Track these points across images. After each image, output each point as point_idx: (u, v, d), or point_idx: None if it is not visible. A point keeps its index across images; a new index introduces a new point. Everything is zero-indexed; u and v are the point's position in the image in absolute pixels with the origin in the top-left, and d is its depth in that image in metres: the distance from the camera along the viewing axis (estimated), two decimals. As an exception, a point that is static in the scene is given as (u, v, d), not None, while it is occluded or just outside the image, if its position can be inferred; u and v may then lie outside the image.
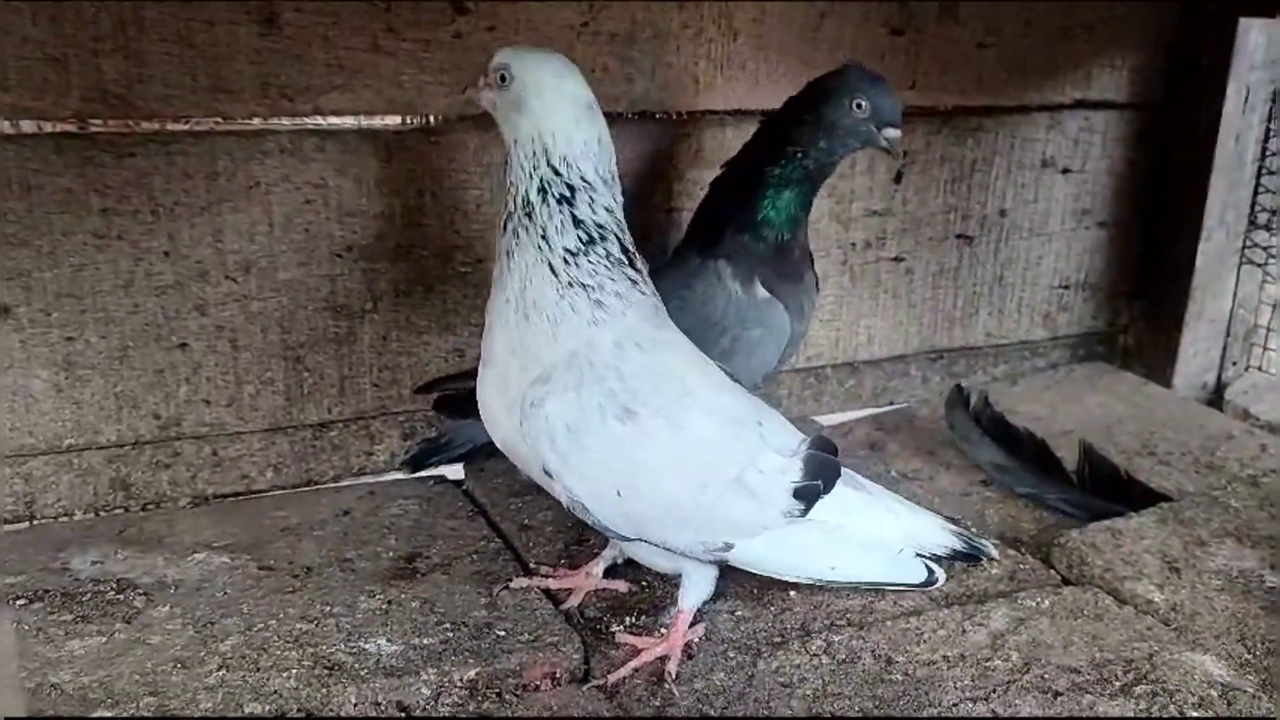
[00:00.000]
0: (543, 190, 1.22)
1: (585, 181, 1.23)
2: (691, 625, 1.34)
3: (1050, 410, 2.05)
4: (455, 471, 1.82)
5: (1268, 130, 2.08)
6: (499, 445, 1.34)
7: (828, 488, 1.32)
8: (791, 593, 1.45)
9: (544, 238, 1.22)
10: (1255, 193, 2.11)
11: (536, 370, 1.23)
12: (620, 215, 1.27)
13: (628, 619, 1.39)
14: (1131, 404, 2.10)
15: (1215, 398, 2.20)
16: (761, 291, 1.54)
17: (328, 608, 1.39)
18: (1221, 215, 2.11)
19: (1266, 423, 2.03)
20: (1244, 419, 2.07)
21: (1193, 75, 2.06)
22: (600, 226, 1.24)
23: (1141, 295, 2.24)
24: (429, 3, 1.61)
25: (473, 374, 1.56)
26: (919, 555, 1.44)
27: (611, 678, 1.27)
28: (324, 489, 1.76)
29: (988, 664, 1.30)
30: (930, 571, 1.43)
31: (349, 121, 1.63)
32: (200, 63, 1.53)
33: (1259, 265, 2.15)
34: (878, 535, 1.41)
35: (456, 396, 1.64)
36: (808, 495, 1.30)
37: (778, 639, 1.36)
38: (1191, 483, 1.79)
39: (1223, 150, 2.06)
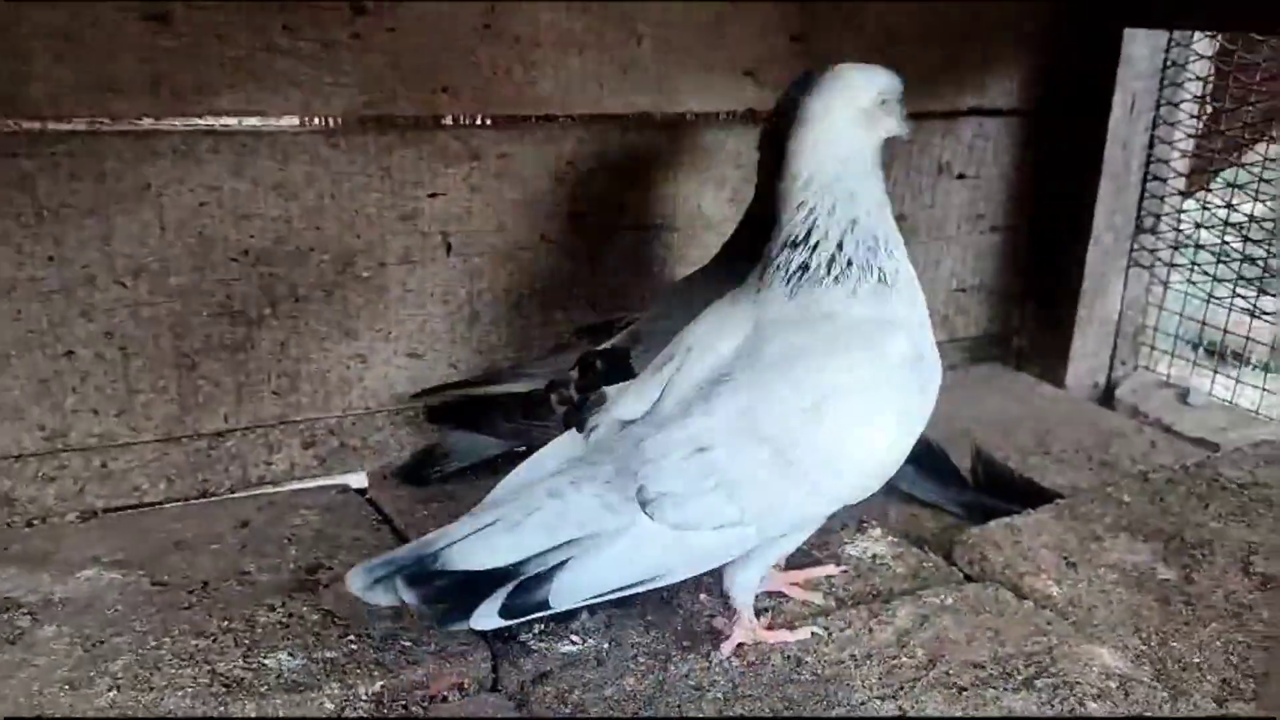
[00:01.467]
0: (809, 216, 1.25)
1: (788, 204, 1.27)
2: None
3: (951, 411, 2.08)
4: (359, 480, 1.78)
5: (1152, 137, 2.16)
6: None
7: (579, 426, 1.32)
8: (702, 596, 1.45)
9: None
10: (1141, 198, 2.19)
11: None
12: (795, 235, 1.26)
13: (536, 625, 1.37)
14: (1026, 404, 2.16)
15: (1106, 397, 2.27)
16: None
17: (225, 623, 1.34)
18: (1109, 220, 2.19)
19: (1155, 420, 2.10)
20: (1134, 417, 2.15)
21: (1081, 83, 2.13)
22: (776, 245, 1.28)
23: (1034, 298, 2.31)
24: (327, 2, 1.58)
25: (476, 382, 1.52)
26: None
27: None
28: (221, 500, 1.70)
29: (894, 662, 1.32)
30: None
31: (245, 123, 1.59)
32: (87, 60, 1.47)
33: (1146, 268, 2.24)
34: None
35: (459, 405, 1.63)
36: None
37: (687, 643, 1.35)
38: (1085, 479, 1.84)
39: (1110, 156, 2.14)
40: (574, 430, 1.31)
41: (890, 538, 1.61)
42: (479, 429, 1.66)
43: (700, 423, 1.20)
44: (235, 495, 1.71)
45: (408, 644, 1.31)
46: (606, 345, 1.62)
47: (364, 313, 1.73)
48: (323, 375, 1.73)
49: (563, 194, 1.83)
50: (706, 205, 1.94)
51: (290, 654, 1.28)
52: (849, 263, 1.23)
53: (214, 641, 1.30)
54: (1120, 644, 1.36)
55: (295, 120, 1.61)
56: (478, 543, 1.18)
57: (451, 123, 1.71)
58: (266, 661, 1.27)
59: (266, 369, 1.69)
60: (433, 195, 1.73)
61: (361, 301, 1.73)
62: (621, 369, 1.47)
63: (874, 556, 1.57)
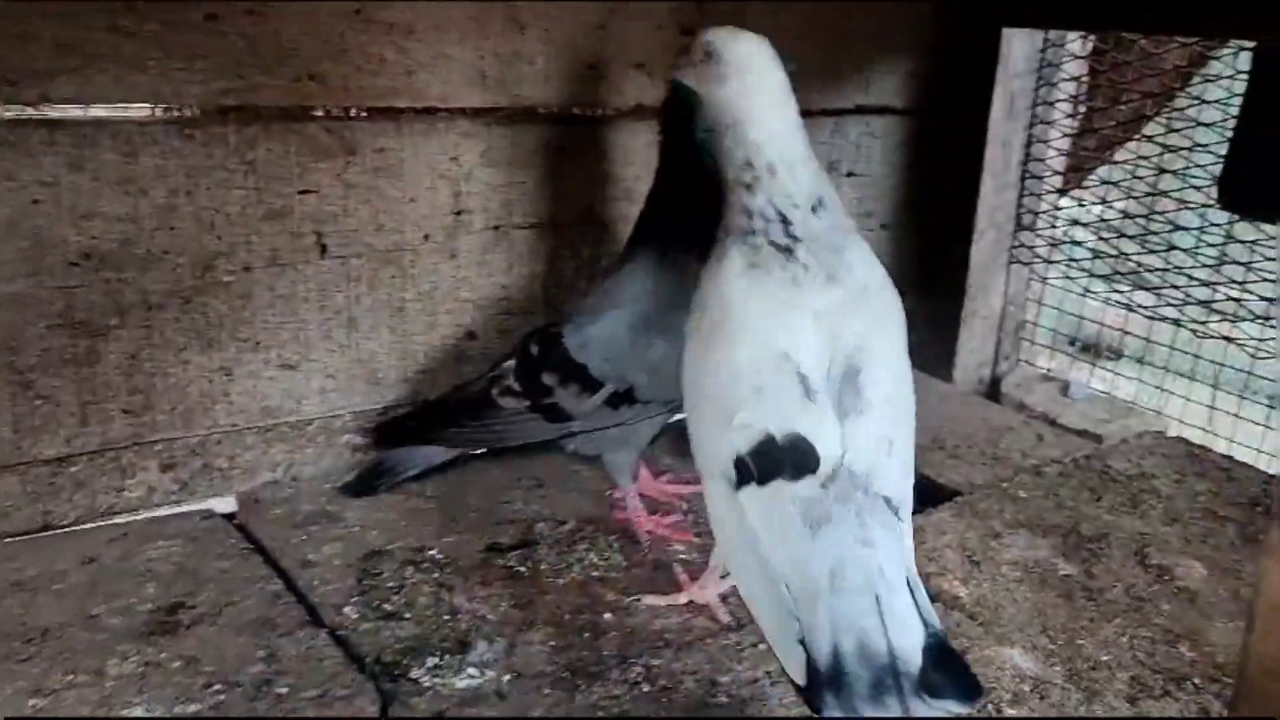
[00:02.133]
0: (736, 177, 1.24)
1: (757, 176, 1.23)
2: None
3: (844, 409, 2.08)
4: (227, 504, 1.63)
5: (1030, 136, 2.19)
6: None
7: (761, 479, 1.16)
8: (606, 615, 1.38)
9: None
10: (1020, 195, 2.23)
11: None
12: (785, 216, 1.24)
13: (430, 659, 1.27)
14: (918, 400, 2.14)
15: (992, 391, 2.30)
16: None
17: (69, 676, 1.19)
18: (991, 217, 2.21)
19: (1041, 413, 2.13)
20: (1020, 411, 2.18)
21: (962, 82, 2.14)
22: (766, 217, 1.23)
23: (921, 294, 2.30)
24: (178, -21, 1.44)
25: (425, 408, 1.67)
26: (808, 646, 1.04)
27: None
28: (65, 533, 1.53)
29: (810, 676, 1.26)
30: (813, 676, 1.00)
31: (84, 111, 1.43)
32: (-108, 39, 1.29)
33: (1026, 264, 2.27)
34: (776, 572, 1.11)
35: (392, 425, 1.68)
36: (740, 470, 1.17)
37: (594, 668, 1.27)
38: (980, 475, 1.84)
39: (991, 154, 2.16)
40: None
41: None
42: (427, 441, 1.65)
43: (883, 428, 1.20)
44: (82, 527, 1.54)
45: (284, 690, 1.19)
46: (538, 327, 1.64)
47: (227, 321, 1.58)
48: (182, 390, 1.58)
49: (446, 191, 1.71)
50: (598, 202, 1.86)
51: (147, 709, 1.15)
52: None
53: (56, 698, 1.16)
54: (1029, 644, 1.36)
55: (144, 110, 1.46)
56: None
57: (322, 114, 1.58)
58: (123, 717, 1.13)
59: (115, 385, 1.53)
60: (304, 192, 1.59)
61: (225, 309, 1.58)
62: (553, 348, 1.52)
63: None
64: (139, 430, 1.56)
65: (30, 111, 1.39)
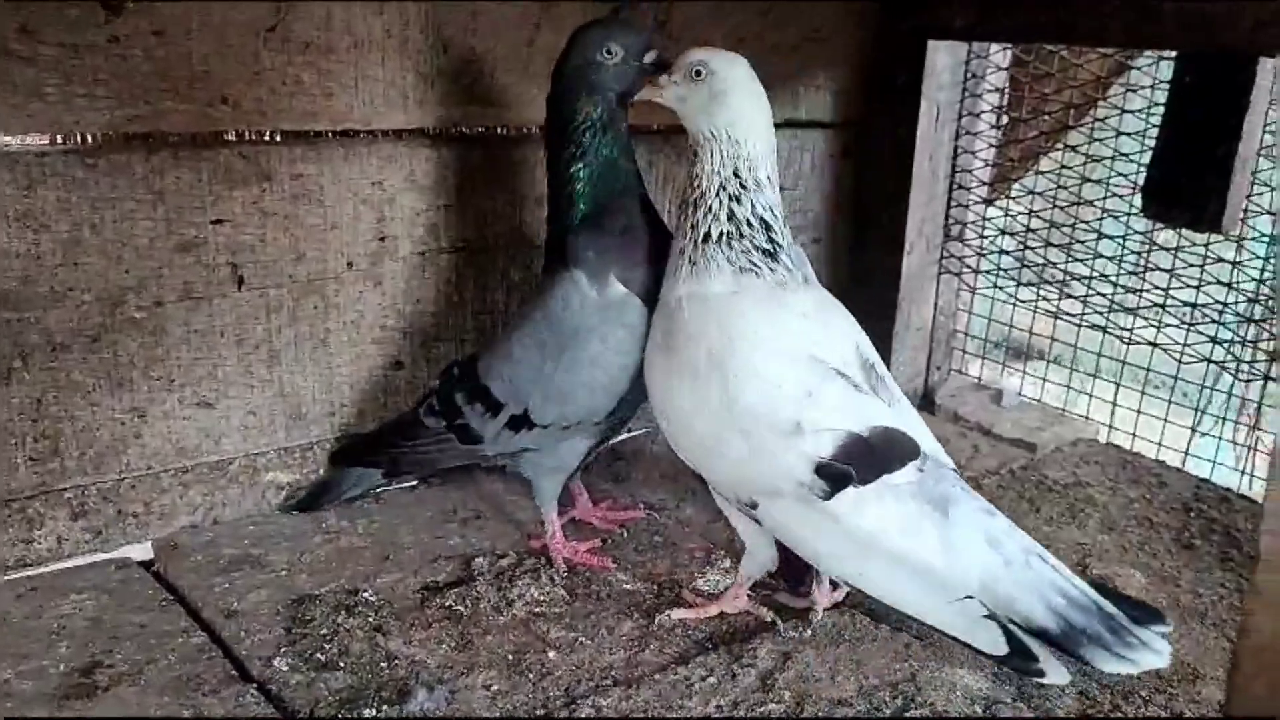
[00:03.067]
0: (723, 188, 1.33)
1: (756, 186, 1.34)
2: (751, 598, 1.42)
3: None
4: (143, 552, 1.55)
5: (956, 147, 2.20)
6: None
7: (866, 478, 1.21)
8: (551, 653, 1.33)
9: (693, 226, 1.35)
10: (948, 206, 2.24)
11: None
12: (773, 226, 1.36)
13: (367, 711, 1.21)
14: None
15: (926, 403, 2.30)
16: (617, 289, 1.45)
17: (-24, 752, 1.11)
18: (921, 228, 2.21)
19: (975, 424, 2.14)
20: (955, 421, 2.18)
21: (889, 95, 2.14)
22: (750, 224, 1.34)
23: (854, 308, 2.29)
24: (73, 1, 1.35)
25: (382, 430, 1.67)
26: (998, 619, 1.19)
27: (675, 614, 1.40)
28: (-32, 591, 1.43)
29: (762, 710, 1.24)
30: (1015, 647, 1.17)
31: (-23, 141, 1.34)
32: None
33: (955, 274, 2.28)
34: (925, 561, 1.20)
35: (348, 447, 1.69)
36: (832, 476, 1.20)
37: (540, 712, 1.23)
38: (919, 488, 1.84)
39: (919, 167, 2.16)
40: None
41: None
42: (367, 464, 1.65)
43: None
44: (-14, 583, 1.45)
45: (211, 753, 1.12)
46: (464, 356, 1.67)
47: (139, 359, 1.50)
48: (91, 434, 1.49)
49: (369, 217, 1.65)
50: (526, 222, 1.81)
51: (64, 783, 1.06)
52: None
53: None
54: (977, 663, 1.34)
55: (42, 139, 1.38)
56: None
57: (235, 138, 1.51)
58: (33, 796, 1.05)
59: (20, 431, 1.44)
60: (217, 221, 1.52)
61: (135, 346, 1.50)
62: (469, 370, 1.54)
63: (726, 589, 1.49)
64: (46, 478, 1.47)
65: (-83, 142, 1.31)
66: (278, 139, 1.54)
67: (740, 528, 1.39)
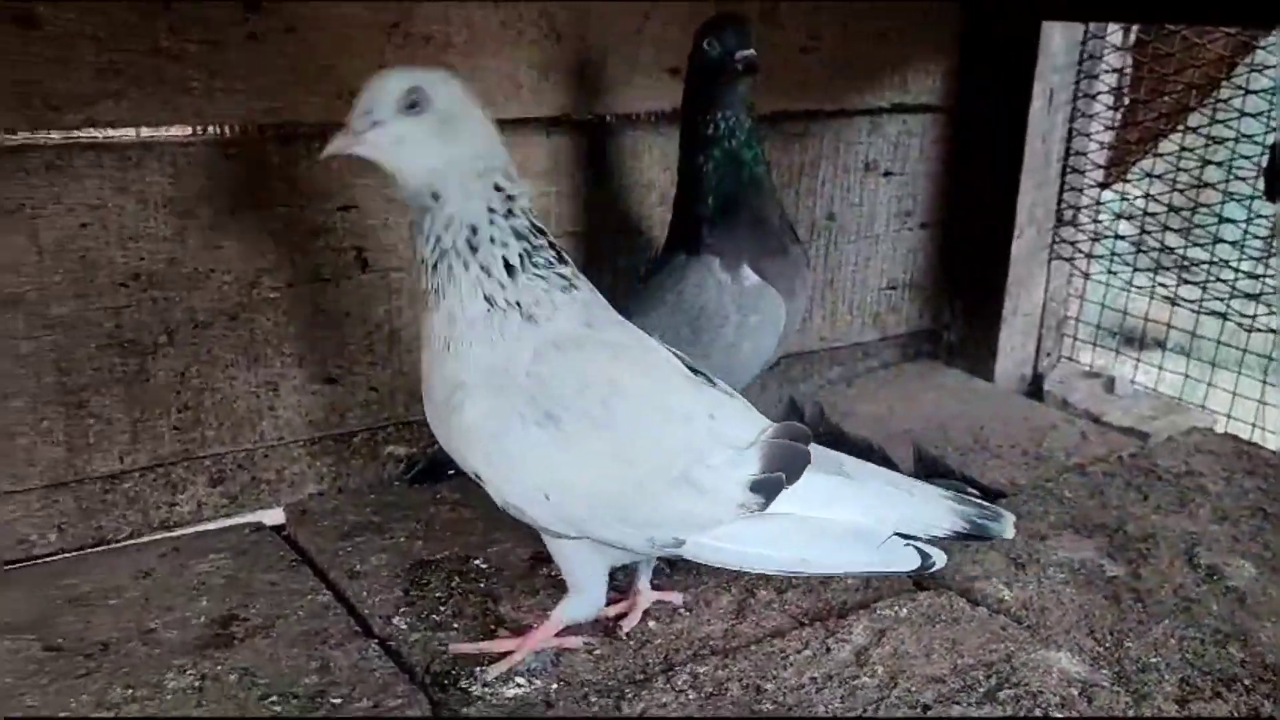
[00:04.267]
0: (491, 210, 1.16)
1: (518, 187, 1.20)
2: (562, 636, 1.32)
3: (887, 410, 2.07)
4: (275, 517, 1.66)
5: (1070, 130, 2.16)
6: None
7: (792, 477, 1.24)
8: (651, 623, 1.38)
9: (485, 268, 1.16)
10: (1061, 190, 2.20)
11: (455, 380, 1.18)
12: (539, 217, 1.23)
13: (479, 669, 1.28)
14: (960, 400, 2.14)
15: (1034, 389, 2.28)
16: (751, 278, 1.53)
17: (129, 690, 1.22)
18: (1031, 213, 2.19)
19: (1084, 411, 2.11)
20: (1063, 408, 2.15)
21: (1001, 77, 2.12)
22: (534, 231, 1.20)
23: (962, 293, 2.29)
24: (216, 1, 1.45)
25: None
26: (910, 540, 1.29)
27: (454, 648, 1.31)
28: (119, 549, 1.56)
29: (855, 682, 1.26)
30: (924, 557, 1.28)
31: (129, 134, 1.45)
32: (-57, 68, 1.32)
33: (1067, 260, 2.24)
34: (858, 523, 1.27)
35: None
36: (766, 488, 1.22)
37: (640, 676, 1.28)
38: (1023, 475, 1.83)
39: (1030, 150, 2.13)
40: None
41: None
42: None
43: None
44: (136, 542, 1.57)
45: (338, 700, 1.21)
46: None
47: (272, 336, 1.61)
48: (229, 406, 1.60)
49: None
50: (633, 208, 1.86)
51: (207, 722, 1.17)
52: None
53: (117, 713, 1.18)
54: (1076, 647, 1.34)
55: (187, 130, 1.48)
56: None
57: (361, 130, 1.59)
58: (180, 732, 1.15)
59: (165, 402, 1.56)
60: (344, 208, 1.61)
61: (269, 325, 1.60)
62: None
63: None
64: (188, 446, 1.59)
65: (77, 135, 1.42)
66: (400, 129, 1.63)
67: (581, 574, 1.29)
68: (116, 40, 1.41)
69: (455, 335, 1.17)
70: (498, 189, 1.16)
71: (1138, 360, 2.25)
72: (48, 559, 1.52)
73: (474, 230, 1.15)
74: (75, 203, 1.44)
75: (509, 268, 1.16)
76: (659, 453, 1.20)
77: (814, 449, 1.28)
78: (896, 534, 1.27)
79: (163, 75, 1.45)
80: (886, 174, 2.13)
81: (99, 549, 1.55)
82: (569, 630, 1.32)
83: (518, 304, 1.17)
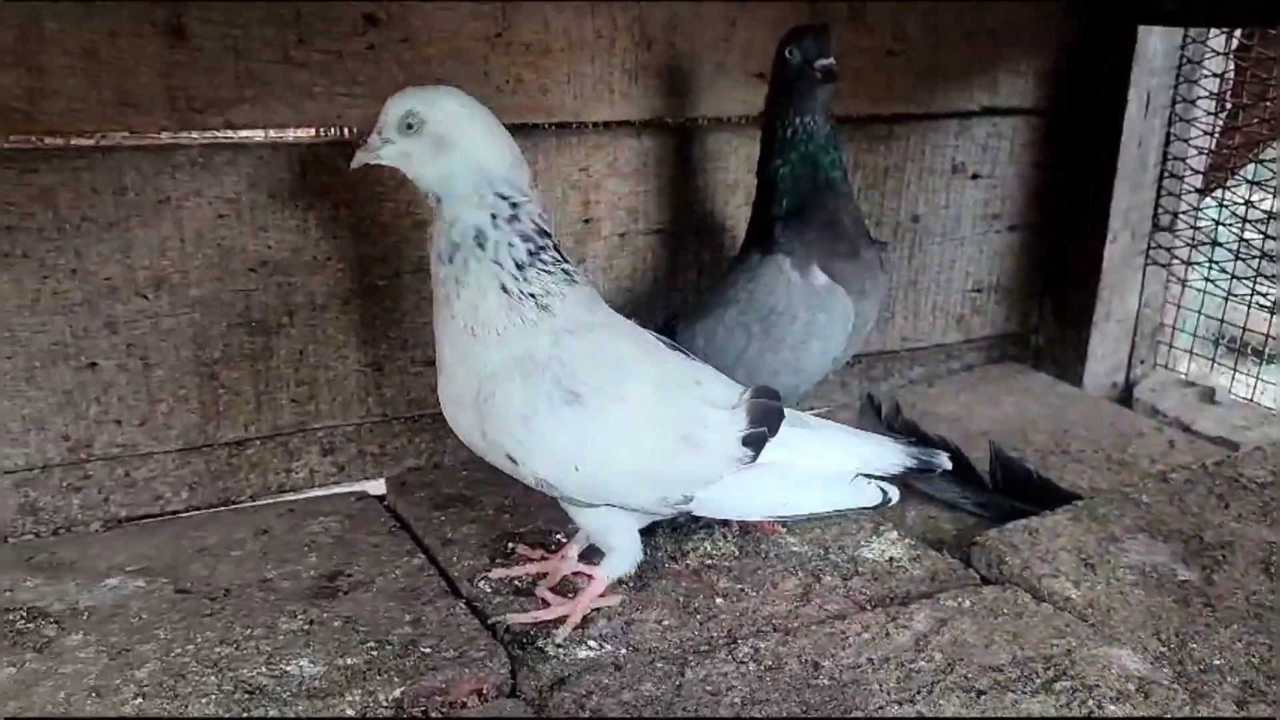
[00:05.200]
0: (494, 216, 1.27)
1: (524, 195, 1.29)
2: (604, 595, 1.43)
3: (966, 411, 2.09)
4: (377, 487, 1.80)
5: (1168, 134, 2.14)
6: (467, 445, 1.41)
7: (773, 431, 1.39)
8: (718, 600, 1.46)
9: (497, 261, 1.28)
10: (1158, 195, 2.18)
11: (485, 371, 1.30)
12: (546, 220, 1.34)
13: (555, 631, 1.38)
14: (1044, 403, 2.15)
15: (1124, 396, 2.26)
16: (820, 278, 1.60)
17: (248, 630, 1.36)
18: (1126, 218, 2.17)
19: (1174, 419, 2.09)
20: (1152, 416, 2.13)
21: (1095, 81, 2.11)
22: (540, 234, 1.31)
23: (1051, 297, 2.29)
24: (339, 14, 1.59)
25: None
26: (872, 479, 1.46)
27: (511, 618, 1.38)
28: (241, 508, 1.72)
29: (912, 665, 1.31)
30: (884, 494, 1.45)
31: (261, 135, 1.60)
32: (105, 75, 1.49)
33: (1163, 266, 2.22)
34: (828, 467, 1.45)
35: None
36: (754, 441, 1.37)
37: (704, 647, 1.36)
38: (1104, 479, 1.83)
39: (1126, 154, 2.12)
40: None
41: (907, 540, 1.62)
42: None
43: None
44: (256, 503, 1.73)
45: (427, 650, 1.32)
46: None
47: (380, 321, 1.75)
48: (341, 383, 1.75)
49: (576, 200, 1.83)
50: (718, 207, 1.94)
51: (311, 661, 1.29)
52: None
53: (237, 649, 1.32)
54: (1139, 646, 1.35)
55: (311, 132, 1.63)
56: None
57: (465, 131, 1.72)
58: (288, 668, 1.28)
59: (285, 378, 1.71)
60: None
61: (378, 310, 1.74)
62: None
63: (891, 559, 1.57)
64: (304, 418, 1.74)
65: (216, 136, 1.58)
66: (502, 131, 1.74)
67: (616, 535, 1.42)
68: (253, 51, 1.56)
69: (479, 320, 1.29)
70: (502, 197, 1.27)
71: (1235, 370, 2.21)
72: (179, 514, 1.68)
73: (480, 232, 1.28)
74: (214, 196, 1.60)
75: (518, 265, 1.29)
76: (666, 419, 1.35)
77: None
78: (860, 474, 1.45)
79: (291, 82, 1.59)
80: (974, 176, 2.15)
81: (224, 508, 1.71)
82: (610, 590, 1.44)
83: (531, 295, 1.29)
